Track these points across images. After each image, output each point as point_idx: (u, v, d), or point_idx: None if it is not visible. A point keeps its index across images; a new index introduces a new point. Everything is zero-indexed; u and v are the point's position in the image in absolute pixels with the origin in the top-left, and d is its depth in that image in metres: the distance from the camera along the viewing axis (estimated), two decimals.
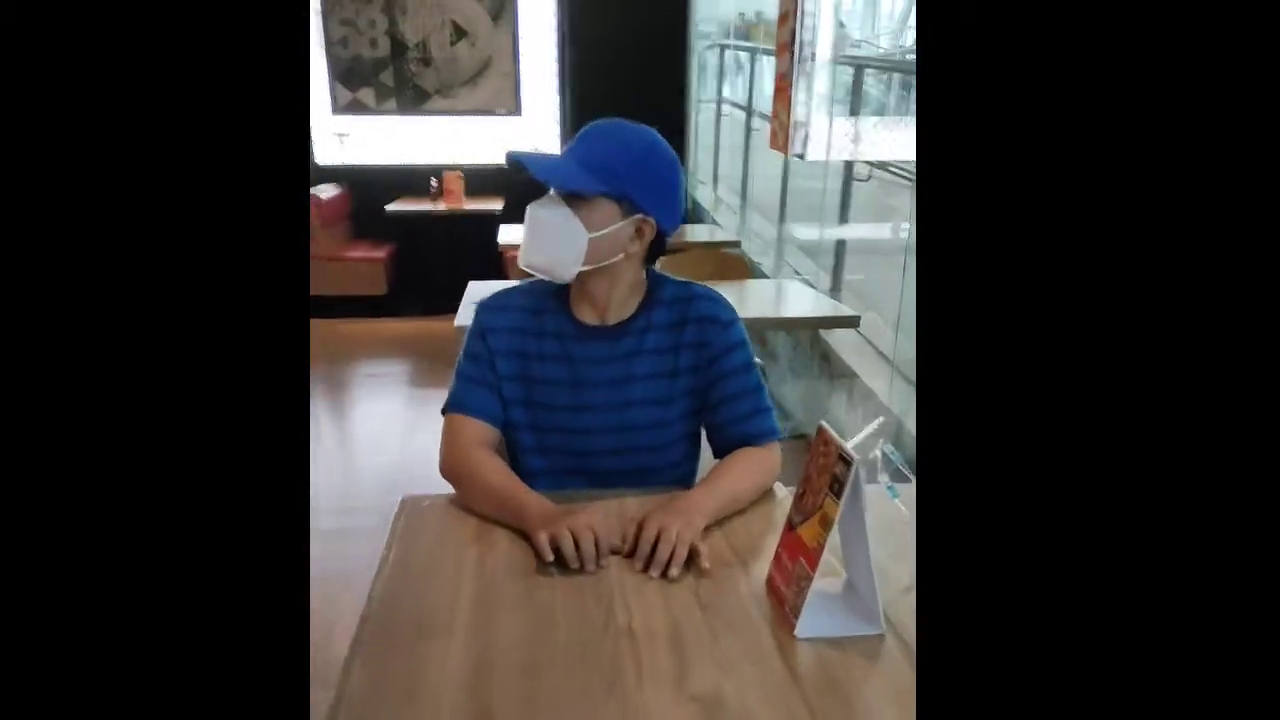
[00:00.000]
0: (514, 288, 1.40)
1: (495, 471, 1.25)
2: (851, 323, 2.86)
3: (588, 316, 1.33)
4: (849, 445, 0.97)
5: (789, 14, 3.68)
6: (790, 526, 1.04)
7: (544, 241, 1.25)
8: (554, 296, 1.35)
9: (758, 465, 1.28)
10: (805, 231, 4.04)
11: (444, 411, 1.33)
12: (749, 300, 3.06)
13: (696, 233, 4.70)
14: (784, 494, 1.29)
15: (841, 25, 3.71)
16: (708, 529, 1.16)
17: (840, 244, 3.54)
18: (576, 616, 1.00)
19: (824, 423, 1.02)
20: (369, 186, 5.62)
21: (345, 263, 5.34)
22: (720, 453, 1.34)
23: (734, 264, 3.33)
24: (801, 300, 3.00)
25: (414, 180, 5.63)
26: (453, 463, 1.28)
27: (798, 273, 3.88)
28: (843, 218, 3.50)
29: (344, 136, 5.99)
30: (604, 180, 1.22)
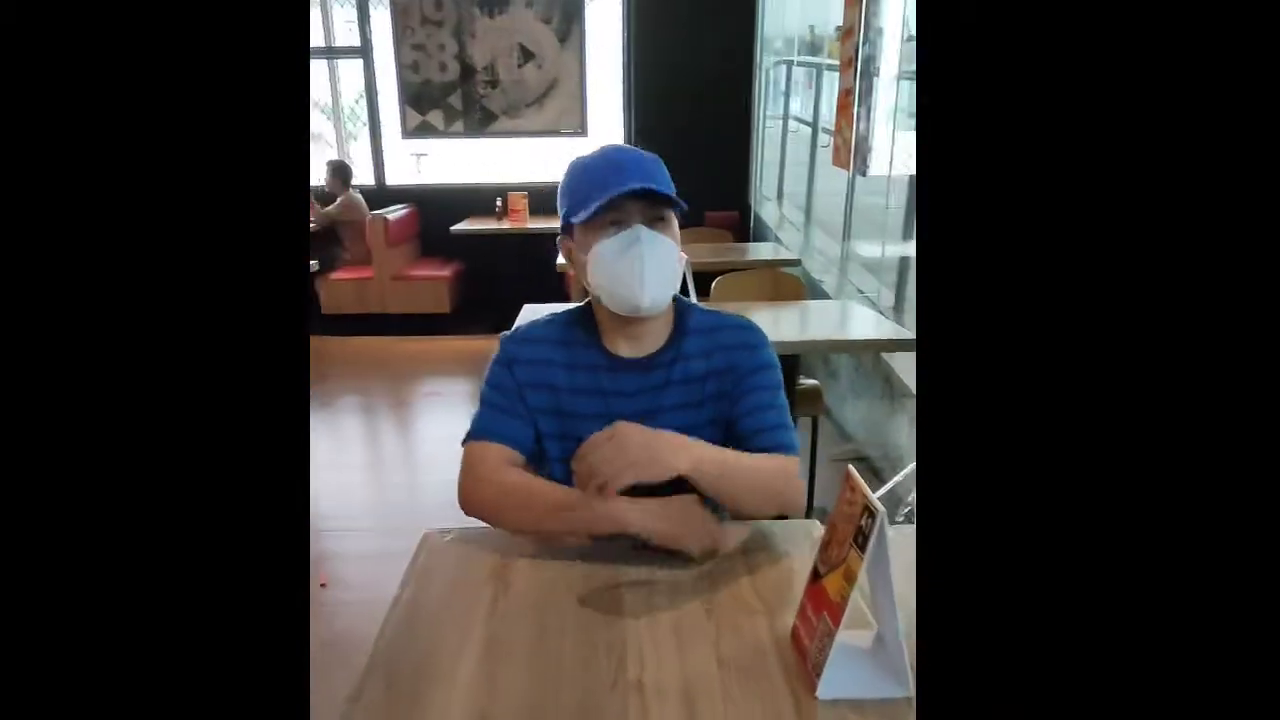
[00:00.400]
0: (540, 319, 1.35)
1: (539, 480, 1.22)
2: (913, 346, 2.75)
3: (622, 349, 1.28)
4: (885, 488, 0.90)
5: (853, 29, 3.61)
6: (816, 576, 0.97)
7: (665, 273, 1.19)
8: (581, 327, 1.30)
9: (773, 462, 1.21)
10: (869, 249, 3.93)
11: (465, 442, 1.28)
12: (810, 322, 2.99)
13: (759, 250, 4.63)
14: (818, 532, 1.22)
15: (910, 39, 3.61)
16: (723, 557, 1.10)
17: (904, 261, 3.42)
18: (585, 668, 0.94)
19: (851, 467, 0.95)
20: (436, 207, 5.72)
21: (411, 281, 5.43)
22: None
23: (790, 284, 3.25)
24: (863, 322, 2.90)
25: (480, 200, 5.70)
26: (479, 489, 1.23)
27: (860, 290, 3.77)
28: (907, 234, 3.39)
29: (421, 157, 6.12)
30: (669, 190, 1.19)
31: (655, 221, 1.19)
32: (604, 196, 1.16)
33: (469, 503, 1.24)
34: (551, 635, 1.00)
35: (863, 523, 0.88)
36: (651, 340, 1.28)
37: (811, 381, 2.92)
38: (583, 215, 1.18)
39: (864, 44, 3.47)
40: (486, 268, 5.49)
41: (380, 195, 5.91)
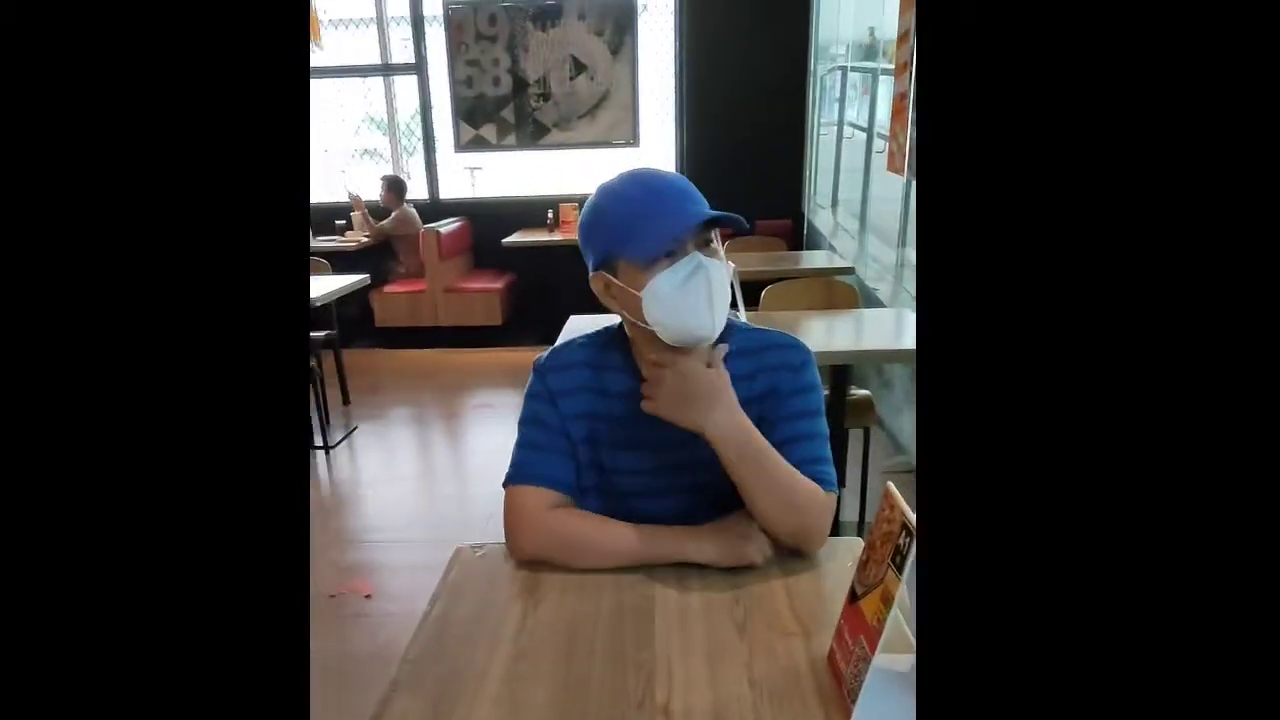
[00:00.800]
0: (571, 342, 1.29)
1: (588, 523, 1.18)
2: None
3: None
4: None
5: (908, 32, 3.54)
6: (854, 597, 0.93)
7: (725, 298, 1.14)
8: (616, 350, 1.24)
9: (808, 483, 1.15)
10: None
11: (506, 484, 1.22)
12: (864, 331, 2.92)
13: (812, 259, 4.56)
14: (860, 548, 1.17)
15: None
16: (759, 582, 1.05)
17: None
18: (612, 689, 0.91)
19: (890, 484, 0.91)
20: (489, 219, 5.78)
21: (463, 294, 5.48)
22: None
23: (843, 293, 3.18)
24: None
25: (532, 212, 5.73)
26: (526, 539, 1.18)
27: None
28: None
29: (475, 170, 6.19)
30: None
31: (705, 246, 1.13)
32: (666, 229, 1.10)
33: (519, 551, 1.19)
34: (580, 654, 0.98)
35: (901, 542, 0.84)
36: None
37: (863, 392, 2.85)
38: (642, 251, 1.11)
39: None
40: (538, 279, 5.52)
41: (434, 209, 5.99)
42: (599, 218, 1.16)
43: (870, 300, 3.99)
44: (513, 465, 1.22)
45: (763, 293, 3.20)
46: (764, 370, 1.21)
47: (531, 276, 5.64)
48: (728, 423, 1.10)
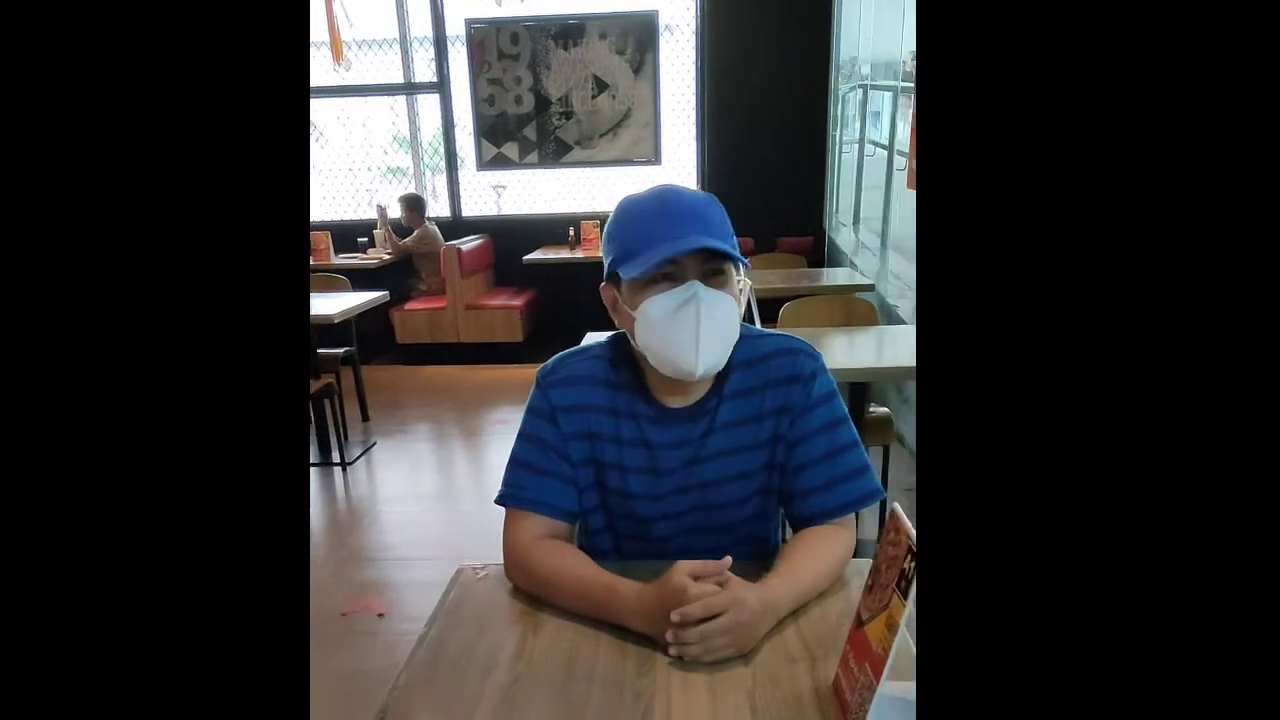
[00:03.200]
0: (578, 354, 1.21)
1: (564, 560, 1.11)
2: None
3: (668, 397, 1.16)
4: None
5: None
6: (859, 622, 0.89)
7: (724, 336, 1.08)
8: (627, 368, 1.17)
9: (830, 553, 1.11)
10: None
11: (501, 503, 1.19)
12: (883, 348, 2.87)
13: (833, 276, 4.52)
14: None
15: None
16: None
17: None
18: (609, 718, 0.88)
19: (896, 505, 0.87)
20: (510, 236, 5.79)
21: (484, 310, 5.48)
22: (794, 523, 1.19)
23: (862, 310, 3.14)
24: None
25: (553, 229, 5.74)
26: (513, 569, 1.15)
27: None
28: None
29: (501, 189, 6.22)
30: (730, 242, 1.07)
31: (713, 276, 1.06)
32: (658, 253, 1.03)
33: (510, 576, 1.16)
34: (579, 682, 0.94)
35: (906, 565, 0.80)
36: (701, 386, 1.16)
37: (882, 410, 2.81)
38: (632, 271, 1.05)
39: None
40: (559, 296, 5.52)
41: (456, 226, 6.02)
42: (611, 227, 1.12)
43: (891, 317, 3.94)
44: (506, 484, 1.19)
45: (781, 310, 3.17)
46: (772, 383, 1.16)
47: (552, 293, 5.64)
48: (777, 612, 1.01)
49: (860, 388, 2.55)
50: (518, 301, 5.54)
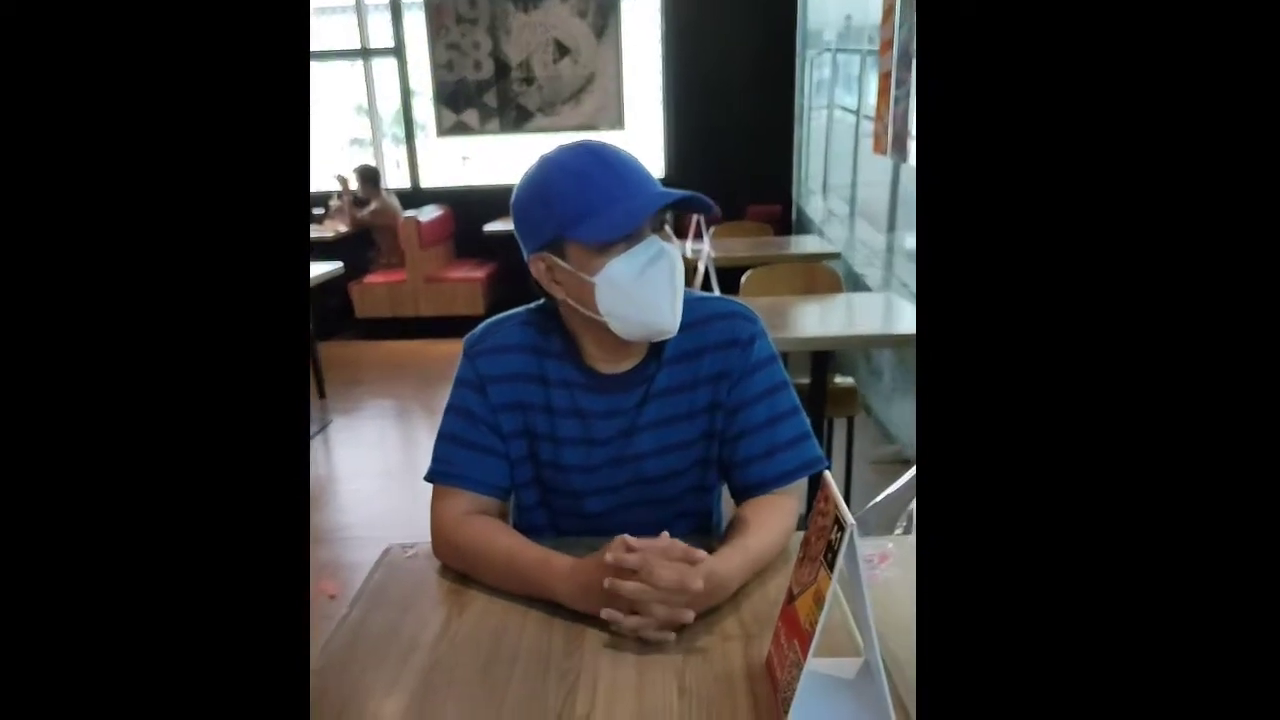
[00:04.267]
0: (507, 320, 1.15)
1: (496, 534, 1.06)
2: None
3: (601, 364, 1.11)
4: (882, 496, 0.78)
5: (892, 9, 3.45)
6: (790, 598, 0.85)
7: (680, 291, 1.04)
8: (557, 336, 1.12)
9: (777, 524, 1.07)
10: (914, 240, 3.76)
11: (430, 479, 1.13)
12: (852, 316, 2.84)
13: (801, 244, 4.47)
14: None
15: None
16: None
17: None
18: (528, 702, 0.84)
19: (828, 473, 0.83)
20: (471, 207, 5.68)
21: (445, 283, 5.39)
22: (735, 492, 1.14)
23: (826, 277, 3.10)
24: (906, 316, 2.73)
25: None
26: (441, 546, 1.09)
27: (905, 284, 3.60)
28: None
29: (467, 159, 6.11)
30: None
31: (659, 231, 1.04)
32: (633, 209, 0.98)
33: (437, 555, 1.11)
34: (501, 664, 0.90)
35: (833, 537, 0.76)
36: (637, 350, 1.11)
37: (846, 380, 2.77)
38: (606, 234, 0.99)
39: (901, 26, 3.31)
40: (520, 267, 5.37)
41: (415, 197, 5.89)
42: (545, 192, 1.03)
43: (858, 285, 3.91)
44: (435, 459, 1.13)
45: (743, 278, 3.12)
46: (710, 348, 1.11)
47: (514, 265, 5.48)
48: (726, 584, 0.96)
49: (822, 357, 2.51)
50: (479, 273, 5.45)
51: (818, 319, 2.83)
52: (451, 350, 4.56)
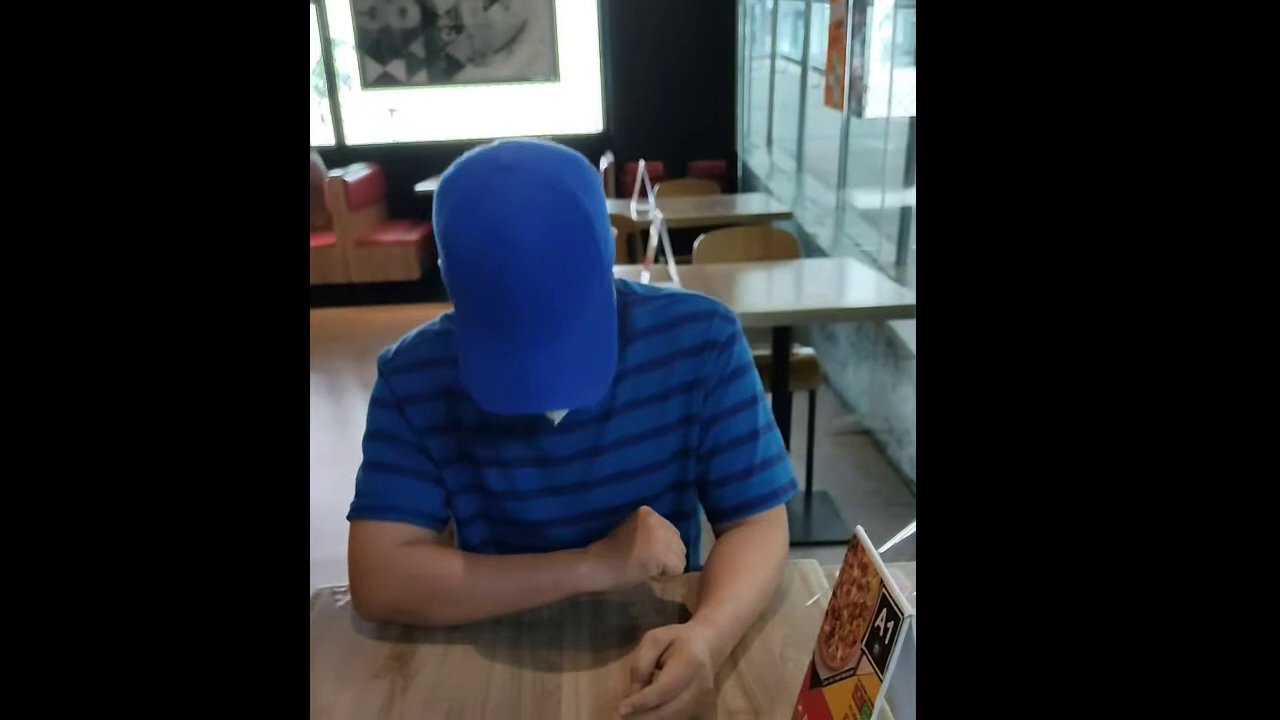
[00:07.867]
0: (421, 332, 0.97)
1: (456, 553, 0.93)
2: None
3: None
4: (885, 547, 0.65)
5: None
6: (815, 680, 0.70)
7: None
8: None
9: (767, 561, 0.93)
10: (867, 198, 3.63)
11: (353, 517, 0.95)
12: (805, 286, 2.70)
13: (748, 203, 4.32)
14: (821, 593, 0.95)
15: None
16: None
17: (905, 211, 3.12)
18: None
19: (859, 529, 0.68)
20: (403, 165, 5.37)
21: (377, 247, 5.13)
22: (712, 515, 0.99)
23: (783, 241, 2.95)
24: (863, 285, 2.60)
25: (450, 156, 5.33)
26: (382, 585, 0.91)
27: (858, 244, 3.48)
28: (908, 181, 3.09)
29: (394, 112, 5.78)
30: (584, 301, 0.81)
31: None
32: (490, 368, 0.81)
33: (366, 605, 0.93)
34: None
35: (880, 623, 0.61)
36: None
37: (806, 351, 2.64)
38: (481, 400, 0.82)
39: None
40: None
41: (340, 155, 5.55)
42: (451, 267, 0.81)
43: (810, 248, 3.78)
44: (358, 494, 0.96)
45: (695, 243, 2.95)
46: (682, 354, 0.95)
47: None
48: (720, 650, 0.82)
49: (784, 332, 2.37)
50: (413, 236, 5.17)
51: (777, 290, 2.69)
52: (387, 318, 4.30)
